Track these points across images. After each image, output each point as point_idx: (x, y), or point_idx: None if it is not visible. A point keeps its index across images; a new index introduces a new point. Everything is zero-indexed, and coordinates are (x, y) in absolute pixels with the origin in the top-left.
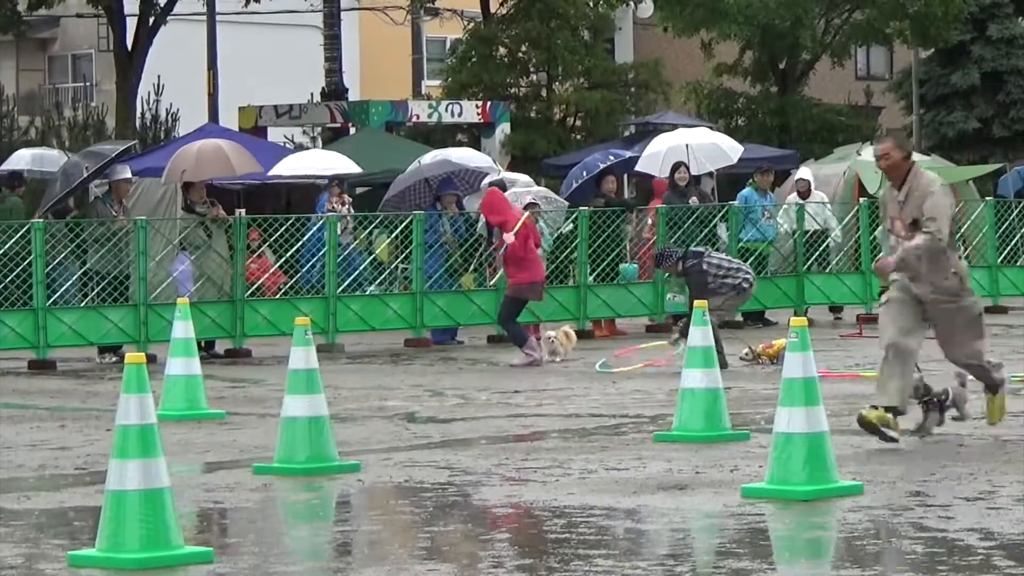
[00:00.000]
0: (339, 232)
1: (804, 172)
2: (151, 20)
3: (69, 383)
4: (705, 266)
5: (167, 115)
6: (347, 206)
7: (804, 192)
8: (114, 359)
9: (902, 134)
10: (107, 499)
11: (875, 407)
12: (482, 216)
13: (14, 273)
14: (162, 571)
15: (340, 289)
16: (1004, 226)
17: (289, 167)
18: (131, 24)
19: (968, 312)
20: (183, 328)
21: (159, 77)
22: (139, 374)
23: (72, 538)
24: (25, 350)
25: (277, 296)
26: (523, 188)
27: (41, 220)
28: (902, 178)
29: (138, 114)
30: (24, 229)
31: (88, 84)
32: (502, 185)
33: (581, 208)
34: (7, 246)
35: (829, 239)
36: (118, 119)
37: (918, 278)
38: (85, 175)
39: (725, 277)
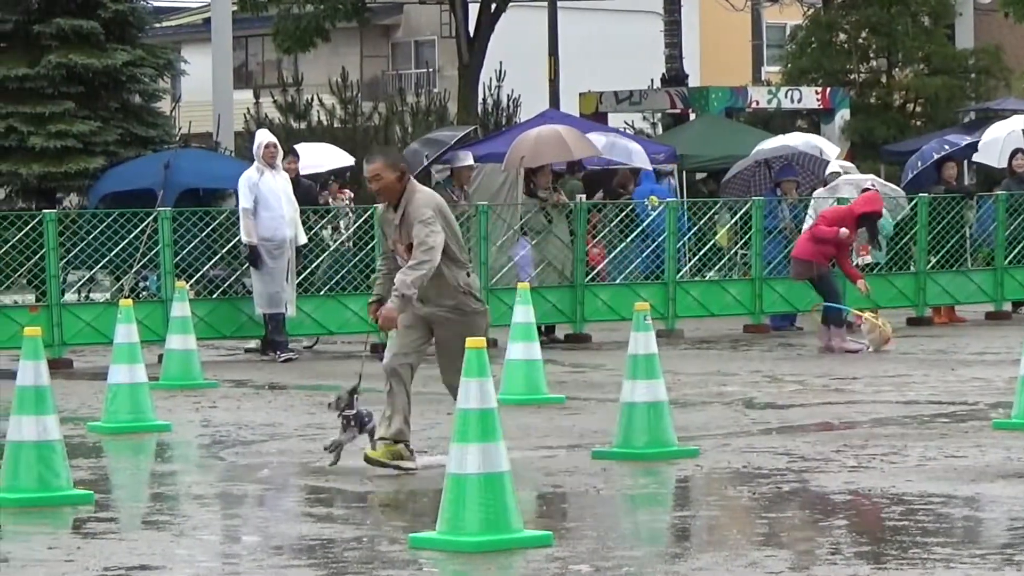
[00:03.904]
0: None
1: None
2: (493, 6)
3: None
4: None
5: (508, 101)
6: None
7: None
8: None
9: (393, 152)
10: (447, 482)
11: (384, 439)
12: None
13: (357, 258)
14: (501, 554)
15: (679, 275)
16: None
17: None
18: (473, 10)
19: (478, 332)
20: (523, 313)
21: (501, 63)
22: (479, 358)
23: (413, 520)
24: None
25: (616, 281)
26: (853, 178)
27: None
28: (397, 199)
29: (480, 100)
30: (368, 213)
31: (430, 70)
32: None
33: (920, 194)
34: None
35: None
36: (460, 105)
37: (424, 299)
38: (425, 163)
39: None
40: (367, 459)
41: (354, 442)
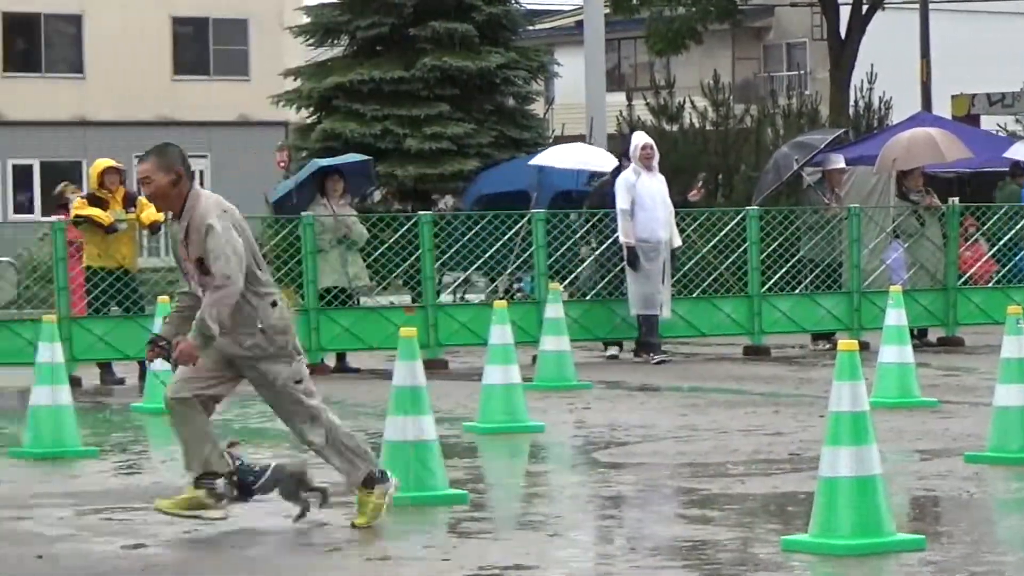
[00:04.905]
0: None
1: None
2: (864, 9)
3: (782, 369)
4: None
5: (880, 103)
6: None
7: None
8: (827, 346)
9: (171, 151)
10: (820, 485)
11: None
12: None
13: (729, 260)
14: (873, 557)
15: None
16: None
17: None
18: (844, 13)
19: (278, 381)
20: (896, 316)
21: (872, 65)
22: (852, 361)
23: (785, 523)
24: (741, 336)
25: (989, 285)
26: None
27: (757, 208)
28: (180, 207)
29: (851, 102)
30: (740, 216)
31: (802, 72)
32: None
33: None
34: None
35: None
36: (831, 107)
37: (221, 325)
38: (795, 167)
39: None
40: (157, 509)
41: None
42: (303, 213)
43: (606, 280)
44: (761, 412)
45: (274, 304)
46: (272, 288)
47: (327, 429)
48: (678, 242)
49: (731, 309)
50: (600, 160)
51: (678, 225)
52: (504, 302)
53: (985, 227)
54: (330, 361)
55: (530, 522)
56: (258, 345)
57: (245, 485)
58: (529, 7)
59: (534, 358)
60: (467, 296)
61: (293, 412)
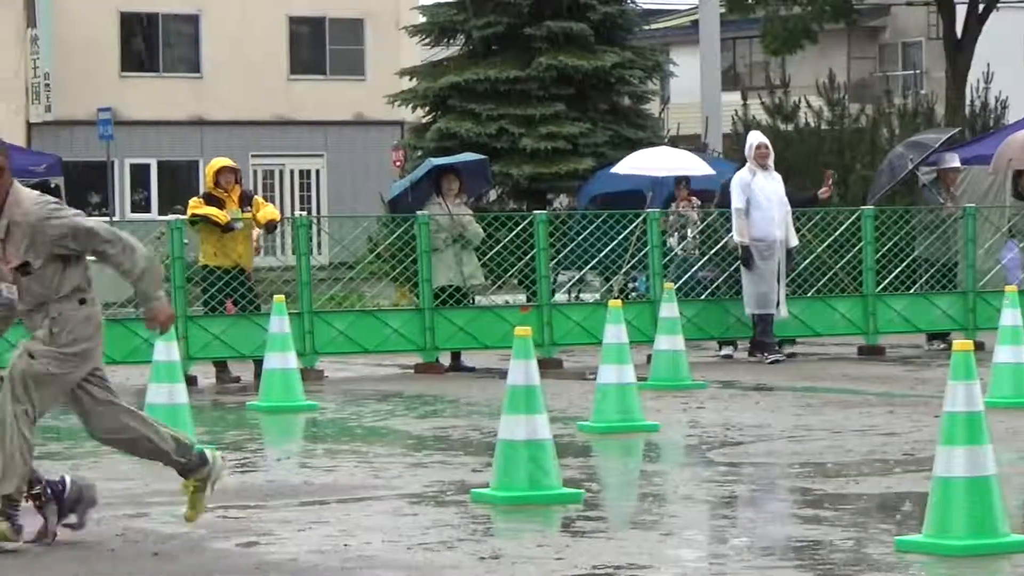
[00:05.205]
0: None
1: None
2: (981, 8)
3: (897, 369)
4: None
5: (996, 103)
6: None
7: None
8: (942, 346)
9: None
10: (934, 485)
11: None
12: None
13: (844, 260)
14: (988, 558)
15: None
16: None
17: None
18: (960, 12)
19: (39, 384)
20: (1011, 316)
21: (988, 65)
22: (967, 361)
23: (899, 523)
24: (856, 336)
25: None
26: None
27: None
28: (1, 203)
29: (967, 102)
30: (855, 216)
31: (918, 72)
32: None
33: None
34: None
35: None
36: (947, 107)
37: (21, 300)
38: (910, 166)
39: None
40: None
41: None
42: (418, 212)
43: (687, 275)
44: (875, 412)
45: (82, 301)
46: (89, 288)
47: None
48: (795, 242)
49: (846, 309)
50: (684, 163)
51: (794, 224)
52: (619, 301)
53: None
54: (445, 360)
55: (643, 521)
56: (44, 338)
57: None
58: (645, 7)
59: (648, 357)
60: (582, 295)
61: (102, 404)
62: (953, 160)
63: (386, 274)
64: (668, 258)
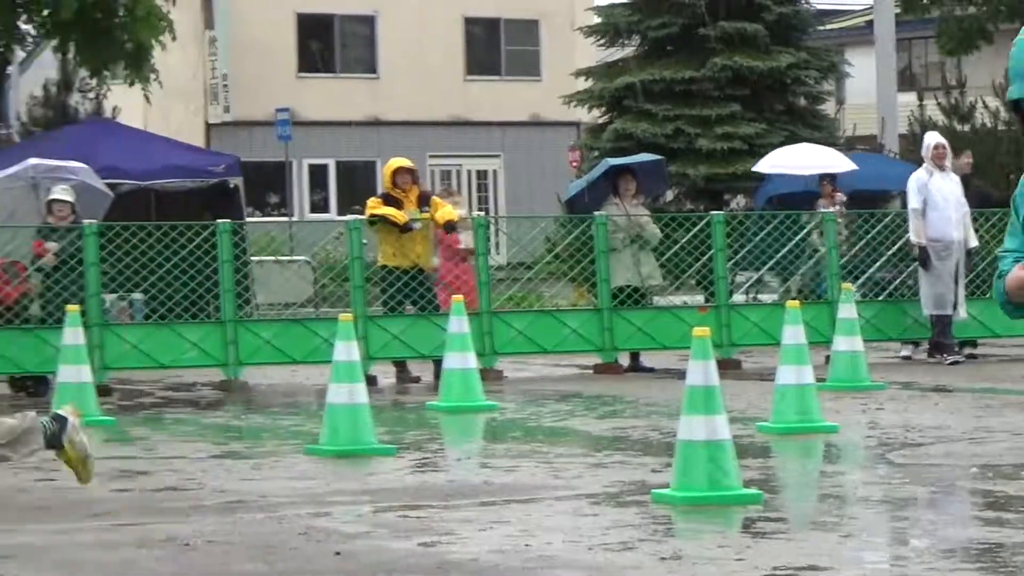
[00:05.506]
0: None
1: None
2: None
3: None
4: None
5: None
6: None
7: None
8: None
9: None
10: None
11: None
12: None
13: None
14: None
15: None
16: None
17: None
18: None
19: None
20: None
21: None
22: None
23: None
24: None
25: None
26: None
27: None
28: None
29: None
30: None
31: None
32: None
33: None
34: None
35: None
36: None
37: None
38: None
39: None
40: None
41: None
42: (596, 212)
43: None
44: None
45: None
46: None
47: None
48: (974, 242)
49: None
50: (832, 161)
51: (972, 225)
52: (797, 302)
53: None
54: (624, 360)
55: (824, 523)
56: None
57: None
58: (819, 7)
59: (827, 358)
60: (760, 296)
61: None
62: None
63: (564, 274)
64: (819, 256)
